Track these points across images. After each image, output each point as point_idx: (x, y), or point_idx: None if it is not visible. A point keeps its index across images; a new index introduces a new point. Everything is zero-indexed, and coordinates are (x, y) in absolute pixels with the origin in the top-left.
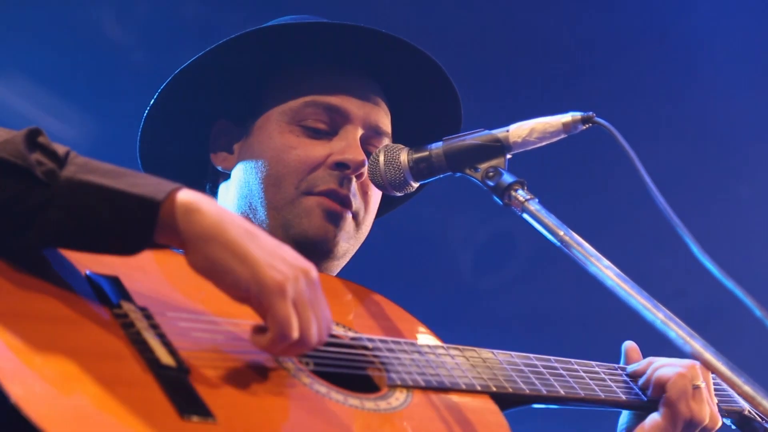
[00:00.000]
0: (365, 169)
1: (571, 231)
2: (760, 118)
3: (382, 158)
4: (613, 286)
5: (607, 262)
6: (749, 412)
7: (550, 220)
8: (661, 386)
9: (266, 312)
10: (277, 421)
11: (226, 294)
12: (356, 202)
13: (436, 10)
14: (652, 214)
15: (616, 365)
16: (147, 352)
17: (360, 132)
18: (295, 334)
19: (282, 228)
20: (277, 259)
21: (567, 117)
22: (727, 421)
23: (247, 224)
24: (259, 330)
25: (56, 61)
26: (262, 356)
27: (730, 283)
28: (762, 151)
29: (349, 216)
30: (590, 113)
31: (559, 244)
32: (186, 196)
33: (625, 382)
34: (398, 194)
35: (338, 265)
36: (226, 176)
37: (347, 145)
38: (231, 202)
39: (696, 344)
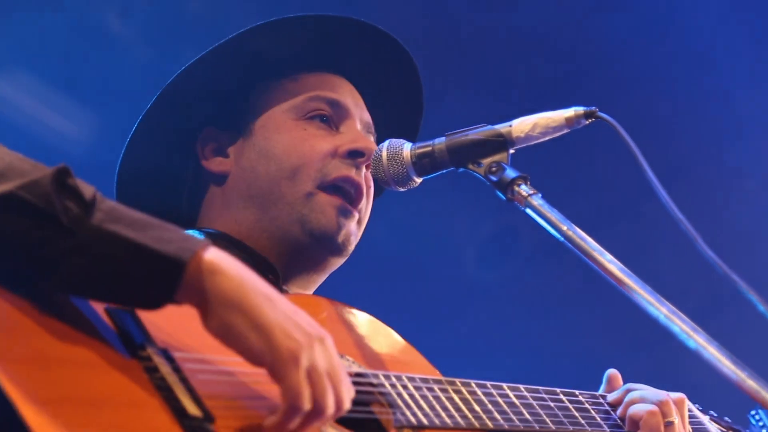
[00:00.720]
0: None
1: (574, 226)
2: (764, 110)
3: (384, 154)
4: (616, 280)
5: (610, 257)
6: None
7: (554, 215)
8: (634, 423)
9: (279, 382)
10: None
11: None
12: (363, 197)
13: (438, 6)
14: (656, 209)
15: (597, 393)
16: (173, 401)
17: (360, 127)
18: (307, 405)
19: (298, 223)
20: (293, 326)
21: (570, 112)
22: None
23: (266, 287)
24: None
25: (59, 56)
26: (278, 401)
27: (733, 278)
28: (766, 144)
29: (357, 216)
30: (593, 108)
31: (562, 239)
32: (210, 256)
33: (606, 411)
34: (401, 189)
35: (340, 262)
36: (220, 179)
37: (355, 136)
38: (232, 204)
39: (700, 338)
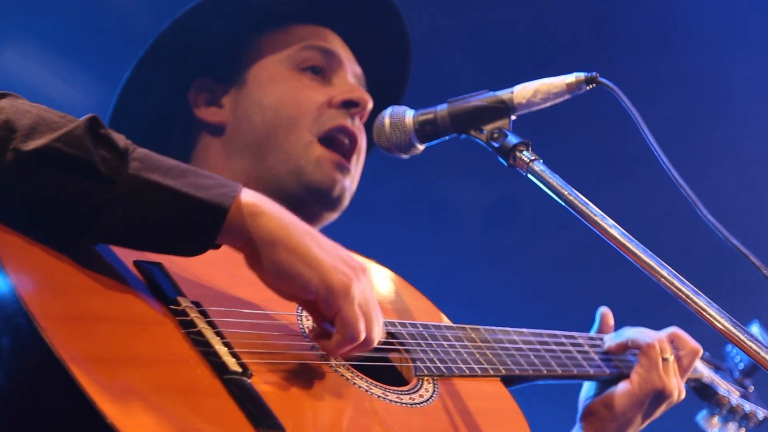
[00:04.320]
0: (366, 112)
1: (575, 191)
2: (764, 73)
3: (387, 121)
4: (617, 244)
5: (611, 222)
6: (707, 378)
7: (555, 180)
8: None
9: (335, 314)
10: (335, 426)
11: (291, 296)
12: (357, 150)
13: None
14: (656, 173)
15: (595, 335)
16: (212, 356)
17: (351, 79)
18: (363, 335)
19: (294, 175)
20: (340, 260)
21: (571, 78)
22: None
23: (305, 225)
24: (321, 333)
25: (65, 27)
26: (305, 352)
27: (733, 242)
28: (766, 108)
29: (351, 171)
30: (594, 73)
31: (564, 204)
32: (248, 198)
33: (605, 353)
34: (404, 156)
35: (333, 217)
36: (215, 129)
37: (348, 87)
38: (227, 153)
39: (700, 301)
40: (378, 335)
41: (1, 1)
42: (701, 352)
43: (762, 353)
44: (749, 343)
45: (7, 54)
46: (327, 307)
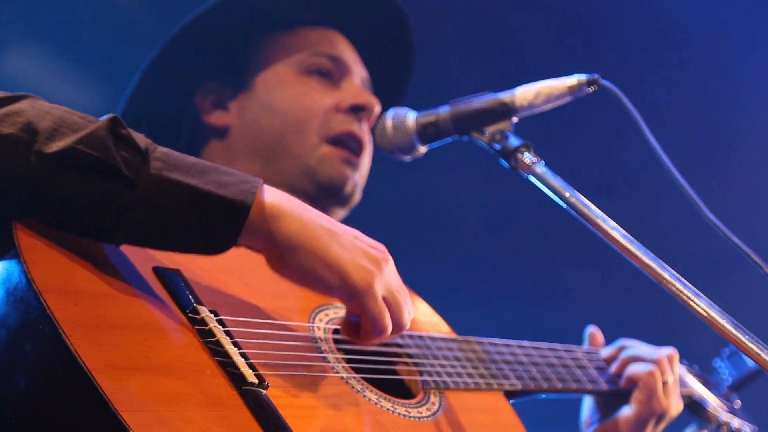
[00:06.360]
0: (374, 115)
1: (577, 193)
2: (765, 77)
3: (389, 123)
4: (618, 246)
5: (612, 223)
6: (697, 394)
7: (557, 182)
8: (632, 382)
9: (361, 312)
10: None
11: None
12: (365, 151)
13: None
14: (658, 175)
15: (592, 348)
16: (230, 367)
17: (358, 82)
18: (390, 327)
19: (306, 176)
20: (361, 255)
21: (572, 80)
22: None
23: (325, 221)
24: (350, 327)
25: (70, 28)
26: (318, 364)
27: (735, 242)
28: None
29: (360, 166)
30: (595, 75)
31: (565, 205)
32: (270, 198)
33: (601, 367)
34: (406, 158)
35: (344, 214)
36: (220, 133)
37: (356, 91)
38: (235, 157)
39: (702, 303)
40: (408, 319)
41: (6, 3)
42: (676, 353)
43: (763, 356)
44: (751, 345)
45: (11, 56)
46: (352, 305)
